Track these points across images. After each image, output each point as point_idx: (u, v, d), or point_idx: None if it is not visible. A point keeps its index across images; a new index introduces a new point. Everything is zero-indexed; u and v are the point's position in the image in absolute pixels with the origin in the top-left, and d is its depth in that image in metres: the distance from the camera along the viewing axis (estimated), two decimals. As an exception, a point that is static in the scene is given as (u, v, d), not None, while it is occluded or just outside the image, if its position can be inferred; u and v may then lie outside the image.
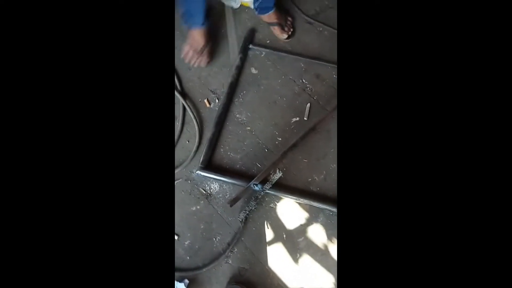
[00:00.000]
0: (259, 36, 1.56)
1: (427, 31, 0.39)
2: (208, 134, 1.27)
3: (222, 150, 1.27)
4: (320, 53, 1.52)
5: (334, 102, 1.38)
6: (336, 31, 1.57)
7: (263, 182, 1.15)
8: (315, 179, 1.24)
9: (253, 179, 1.14)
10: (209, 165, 1.22)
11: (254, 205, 1.14)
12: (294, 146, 1.24)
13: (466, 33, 0.36)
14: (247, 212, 1.12)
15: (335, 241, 1.14)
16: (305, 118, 1.35)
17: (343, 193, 0.43)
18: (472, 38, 0.36)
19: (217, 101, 1.37)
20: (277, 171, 1.17)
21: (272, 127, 1.33)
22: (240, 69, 1.44)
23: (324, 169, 1.26)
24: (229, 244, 1.08)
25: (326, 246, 1.13)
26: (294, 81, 1.44)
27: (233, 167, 1.23)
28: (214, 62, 1.46)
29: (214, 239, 1.10)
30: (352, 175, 0.42)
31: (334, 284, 1.07)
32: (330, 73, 1.47)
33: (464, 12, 0.36)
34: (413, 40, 0.39)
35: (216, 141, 1.28)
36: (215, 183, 1.20)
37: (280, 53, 1.49)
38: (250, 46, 1.49)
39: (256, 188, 1.14)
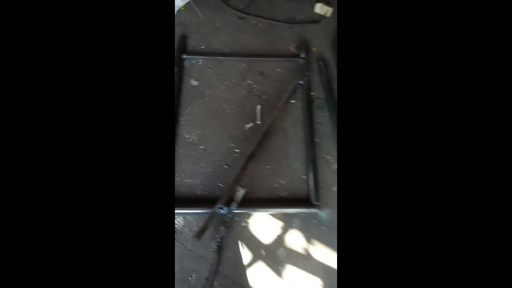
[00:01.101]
0: (191, 43, 1.43)
1: (430, 33, 0.38)
2: (158, 165, 1.15)
3: (178, 178, 1.17)
4: (259, 48, 1.44)
5: (284, 97, 1.32)
6: (270, 21, 1.49)
7: (228, 203, 1.08)
8: (282, 183, 1.19)
9: (217, 202, 1.07)
10: (167, 199, 1.11)
11: (224, 230, 1.07)
12: (252, 155, 1.17)
13: (465, 33, 0.35)
14: (219, 239, 1.05)
15: (315, 242, 1.11)
16: (258, 122, 1.28)
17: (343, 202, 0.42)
18: (472, 38, 0.35)
19: (161, 125, 1.25)
20: (240, 188, 1.10)
21: (227, 139, 1.25)
22: (178, 84, 1.31)
23: (288, 170, 1.21)
24: (207, 279, 1.01)
25: (307, 250, 1.10)
26: (239, 84, 1.35)
27: (194, 195, 1.14)
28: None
29: (190, 278, 1.03)
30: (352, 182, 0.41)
31: (322, 286, 1.05)
32: (273, 67, 1.40)
33: (464, 11, 0.35)
34: (414, 41, 0.38)
35: (169, 171, 1.17)
36: (178, 217, 1.11)
37: (218, 58, 1.38)
38: (184, 56, 1.36)
39: (222, 211, 1.06)
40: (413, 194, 0.37)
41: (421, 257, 0.36)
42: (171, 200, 0.46)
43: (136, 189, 0.40)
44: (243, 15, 1.49)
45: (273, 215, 1.14)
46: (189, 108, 1.29)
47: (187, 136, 1.24)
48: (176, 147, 1.21)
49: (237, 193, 1.09)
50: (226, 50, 1.42)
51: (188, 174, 1.18)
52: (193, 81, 1.34)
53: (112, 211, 0.39)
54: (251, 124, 1.28)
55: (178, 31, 1.43)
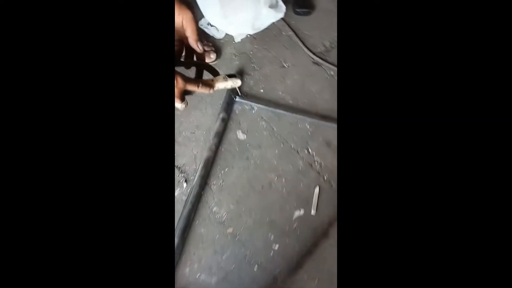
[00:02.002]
0: (249, 83, 1.13)
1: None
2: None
3: (188, 269, 0.84)
4: (332, 108, 1.11)
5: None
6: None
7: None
8: (328, 310, 0.83)
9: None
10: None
11: None
12: (298, 267, 0.83)
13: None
14: None
15: None
16: (312, 213, 0.94)
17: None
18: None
19: (185, 184, 0.95)
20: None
21: (267, 227, 0.91)
22: (221, 133, 1.01)
23: (340, 292, 0.85)
24: None
25: None
26: (297, 151, 1.03)
27: (204, 303, 0.81)
28: (188, 121, 1.02)
29: None
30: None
31: None
32: (347, 139, 1.06)
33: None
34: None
35: (179, 256, 0.85)
36: (174, 335, 0.78)
37: (278, 110, 1.07)
38: (237, 98, 1.07)
39: None
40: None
41: None
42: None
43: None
44: (320, 60, 1.18)
45: None
46: (226, 169, 0.98)
47: (215, 209, 0.92)
48: (196, 222, 0.90)
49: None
50: (290, 102, 1.11)
51: (203, 266, 0.85)
52: (240, 134, 1.03)
53: None
54: (301, 212, 0.94)
55: (236, 64, 1.15)
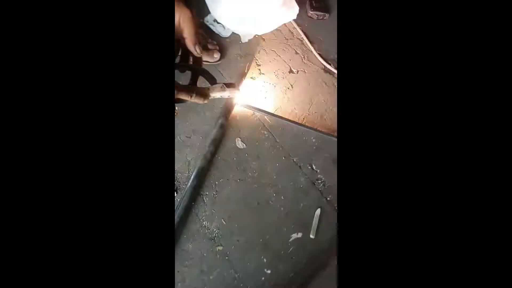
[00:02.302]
0: (253, 87, 1.05)
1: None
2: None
3: (170, 290, 0.76)
4: (342, 121, 1.02)
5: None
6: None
7: None
8: None
9: None
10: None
11: None
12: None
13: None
14: None
15: None
16: (311, 236, 0.86)
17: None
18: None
19: (175, 194, 0.87)
20: None
21: (259, 248, 0.83)
22: (218, 141, 0.93)
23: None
24: None
25: None
26: (300, 166, 0.94)
27: (183, 330, 0.73)
28: (184, 124, 0.94)
29: None
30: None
31: None
32: (355, 157, 0.98)
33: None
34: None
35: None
36: None
37: (283, 120, 0.99)
38: (238, 103, 0.98)
39: None
40: None
41: None
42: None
43: None
44: (332, 69, 1.10)
45: None
46: (221, 180, 0.90)
47: (205, 223, 0.84)
48: (184, 236, 0.82)
49: None
50: (296, 111, 1.02)
51: (187, 286, 0.77)
52: (239, 142, 0.95)
53: None
54: (299, 235, 0.86)
55: (241, 65, 1.06)
